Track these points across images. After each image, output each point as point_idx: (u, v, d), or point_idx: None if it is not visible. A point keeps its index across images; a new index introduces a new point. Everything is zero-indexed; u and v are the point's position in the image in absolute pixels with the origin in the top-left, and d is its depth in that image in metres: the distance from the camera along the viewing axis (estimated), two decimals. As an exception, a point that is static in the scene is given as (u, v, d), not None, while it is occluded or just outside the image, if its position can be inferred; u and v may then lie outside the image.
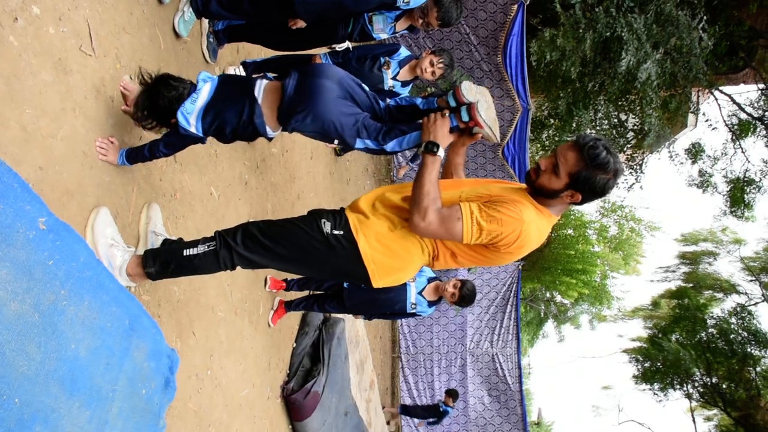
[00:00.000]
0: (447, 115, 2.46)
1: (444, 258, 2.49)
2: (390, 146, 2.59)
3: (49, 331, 1.71)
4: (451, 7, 3.52)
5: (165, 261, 2.43)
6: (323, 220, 2.39)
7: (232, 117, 2.44)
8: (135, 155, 2.52)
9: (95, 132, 2.41)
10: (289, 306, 4.86)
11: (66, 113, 2.23)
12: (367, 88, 2.71)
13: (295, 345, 5.24)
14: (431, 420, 9.90)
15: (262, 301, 4.56)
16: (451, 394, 9.44)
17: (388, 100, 2.74)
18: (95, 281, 1.96)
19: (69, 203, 2.23)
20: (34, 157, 2.03)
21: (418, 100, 2.71)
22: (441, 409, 9.51)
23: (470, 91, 2.44)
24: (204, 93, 2.41)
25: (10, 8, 1.94)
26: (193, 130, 2.39)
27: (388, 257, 2.41)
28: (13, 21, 1.95)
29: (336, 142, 2.59)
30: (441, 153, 2.37)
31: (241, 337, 3.96)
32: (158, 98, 2.33)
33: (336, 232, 2.37)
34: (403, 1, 3.04)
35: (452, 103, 2.50)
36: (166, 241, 2.70)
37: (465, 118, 2.45)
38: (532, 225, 2.26)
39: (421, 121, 2.56)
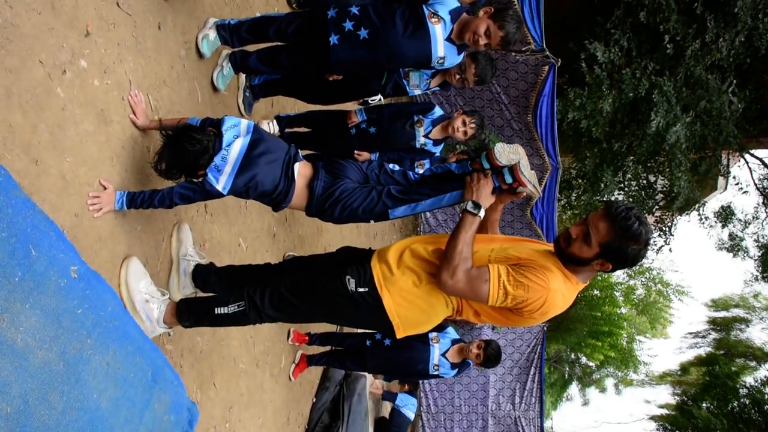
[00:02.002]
0: (490, 175, 2.48)
1: (467, 314, 2.49)
2: (429, 203, 2.64)
3: (73, 380, 1.70)
4: (488, 65, 3.64)
5: (199, 318, 2.56)
6: (348, 277, 2.41)
7: (267, 185, 2.46)
8: (139, 201, 2.34)
9: (130, 181, 2.45)
10: (311, 360, 4.78)
11: (104, 162, 2.28)
12: (396, 168, 2.80)
13: (315, 400, 5.14)
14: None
15: (284, 354, 4.50)
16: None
17: (422, 168, 2.81)
18: (121, 331, 1.95)
19: (101, 250, 2.25)
20: (71, 204, 2.07)
21: (453, 166, 2.75)
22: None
23: (503, 154, 2.46)
24: (235, 151, 2.34)
25: (60, 62, 2.01)
26: (220, 188, 2.32)
27: (413, 312, 2.42)
28: (62, 74, 2.01)
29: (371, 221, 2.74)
30: (482, 214, 2.37)
31: (261, 389, 3.90)
32: (182, 152, 2.28)
33: (360, 289, 2.39)
34: (437, 62, 3.08)
35: (486, 166, 2.52)
36: (198, 267, 2.84)
37: (509, 180, 2.48)
38: (558, 294, 2.24)
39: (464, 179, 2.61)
